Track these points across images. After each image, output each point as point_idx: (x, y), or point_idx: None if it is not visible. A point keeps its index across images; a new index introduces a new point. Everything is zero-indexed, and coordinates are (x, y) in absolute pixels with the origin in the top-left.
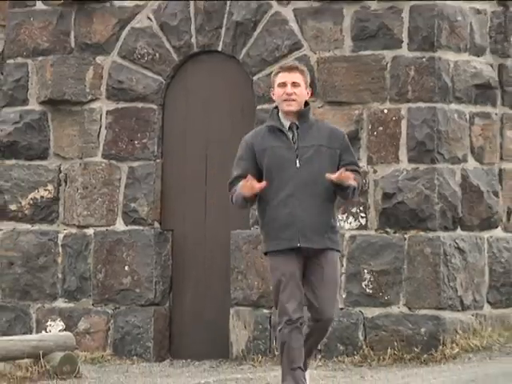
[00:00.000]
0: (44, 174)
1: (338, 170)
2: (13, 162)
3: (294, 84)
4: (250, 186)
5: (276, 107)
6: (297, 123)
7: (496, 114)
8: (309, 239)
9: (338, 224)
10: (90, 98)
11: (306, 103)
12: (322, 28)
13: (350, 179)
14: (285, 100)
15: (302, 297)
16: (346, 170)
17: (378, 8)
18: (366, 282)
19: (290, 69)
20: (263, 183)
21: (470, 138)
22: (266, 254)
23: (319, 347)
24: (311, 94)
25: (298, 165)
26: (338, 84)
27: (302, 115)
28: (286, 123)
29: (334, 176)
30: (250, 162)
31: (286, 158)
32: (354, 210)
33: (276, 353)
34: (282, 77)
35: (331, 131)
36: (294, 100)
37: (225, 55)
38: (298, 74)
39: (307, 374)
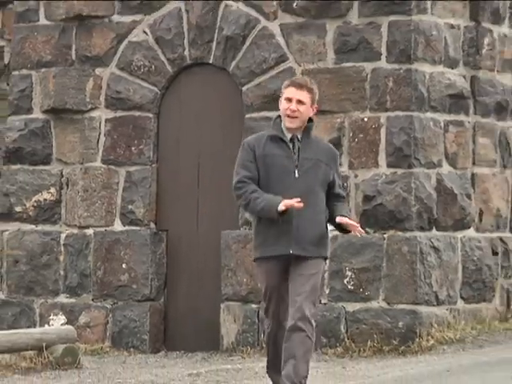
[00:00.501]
0: (47, 178)
1: (328, 185)
2: (18, 166)
3: (300, 102)
4: (288, 204)
5: (279, 116)
6: (298, 136)
7: (469, 122)
8: (302, 248)
9: (329, 232)
10: (90, 107)
11: (311, 119)
12: (307, 42)
13: (354, 225)
14: (288, 115)
15: (285, 304)
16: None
17: (359, 23)
18: (347, 279)
19: (299, 86)
20: (300, 204)
21: (445, 145)
22: (254, 260)
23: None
24: (316, 111)
25: (296, 175)
26: (321, 94)
27: (305, 130)
28: (288, 134)
29: (342, 220)
30: (254, 166)
31: (286, 167)
32: None
33: (263, 345)
34: (289, 92)
35: (328, 149)
36: (296, 117)
37: (216, 67)
38: (305, 92)
39: None
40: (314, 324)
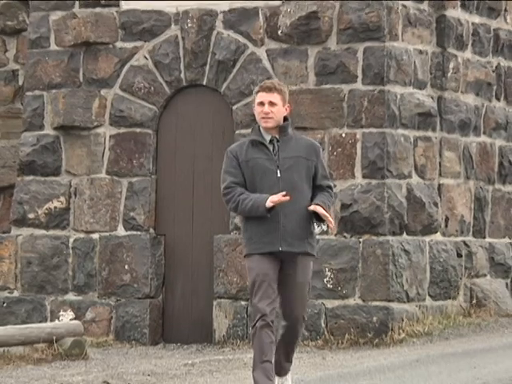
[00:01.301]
0: (57, 188)
1: (313, 179)
2: (31, 177)
3: (271, 103)
4: (275, 199)
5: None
6: (277, 137)
7: (436, 138)
8: (289, 244)
9: (314, 229)
10: (95, 124)
11: (286, 118)
12: (290, 66)
13: (325, 215)
14: (262, 118)
15: (274, 296)
16: (321, 194)
17: (337, 49)
18: (327, 279)
19: (268, 89)
20: (286, 198)
21: (414, 158)
22: (245, 256)
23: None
24: (290, 110)
25: (278, 174)
26: (303, 112)
27: (281, 129)
28: (267, 137)
29: (312, 207)
30: (239, 171)
31: (268, 168)
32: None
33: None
34: (260, 96)
35: (309, 144)
36: (271, 118)
37: (209, 88)
38: (275, 93)
39: (289, 376)
40: (304, 318)
